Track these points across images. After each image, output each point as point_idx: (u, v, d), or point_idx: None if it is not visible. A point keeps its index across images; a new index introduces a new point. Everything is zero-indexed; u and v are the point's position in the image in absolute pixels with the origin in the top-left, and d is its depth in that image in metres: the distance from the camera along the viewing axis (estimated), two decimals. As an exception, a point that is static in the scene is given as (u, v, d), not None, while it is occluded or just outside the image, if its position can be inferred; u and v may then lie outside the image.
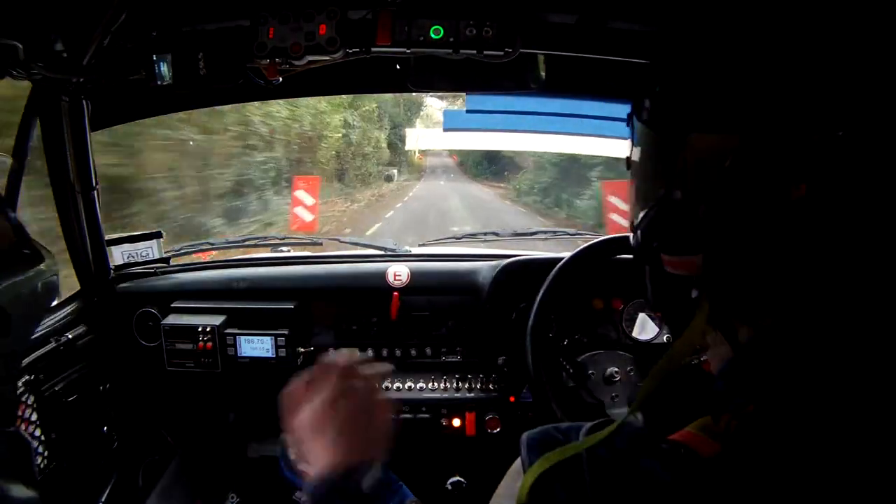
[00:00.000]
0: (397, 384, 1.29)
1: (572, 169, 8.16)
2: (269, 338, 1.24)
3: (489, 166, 14.14)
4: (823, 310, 0.34)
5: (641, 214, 0.41)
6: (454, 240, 1.54)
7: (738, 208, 0.35)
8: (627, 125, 0.44)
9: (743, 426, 0.35)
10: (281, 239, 1.62)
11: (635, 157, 0.43)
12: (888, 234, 0.32)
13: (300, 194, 4.13)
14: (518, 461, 0.41)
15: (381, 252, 1.46)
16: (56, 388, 1.08)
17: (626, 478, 0.35)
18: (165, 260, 1.41)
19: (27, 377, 0.99)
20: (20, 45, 0.84)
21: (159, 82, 0.97)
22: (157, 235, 1.39)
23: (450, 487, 1.32)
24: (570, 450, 0.37)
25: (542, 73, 1.05)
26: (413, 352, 1.32)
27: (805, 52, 0.34)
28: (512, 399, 1.28)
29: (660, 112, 0.40)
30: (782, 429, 0.34)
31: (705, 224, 0.37)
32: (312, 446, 0.45)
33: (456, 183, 15.20)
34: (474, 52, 0.91)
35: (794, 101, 0.33)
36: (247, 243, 1.59)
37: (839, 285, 0.33)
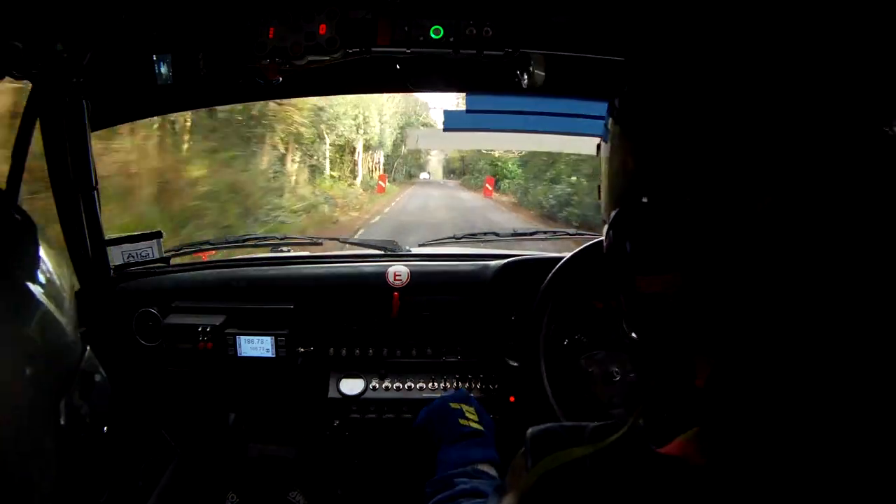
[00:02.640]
0: (398, 384, 1.29)
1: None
2: (269, 338, 1.24)
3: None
4: (801, 322, 0.33)
5: (613, 213, 0.40)
6: (454, 240, 1.54)
7: (700, 218, 0.34)
8: (605, 125, 0.44)
9: (728, 439, 0.35)
10: (281, 239, 1.62)
11: (605, 154, 0.43)
12: (860, 245, 0.31)
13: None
14: (520, 454, 0.41)
15: (381, 252, 1.46)
16: None
17: (625, 486, 0.35)
18: (165, 260, 1.40)
19: None
20: (20, 45, 0.84)
21: (159, 82, 0.97)
22: (158, 235, 1.39)
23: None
24: (573, 454, 0.37)
25: (542, 73, 1.05)
26: (413, 352, 1.32)
27: (774, 60, 0.33)
28: (512, 399, 1.28)
29: (626, 110, 0.40)
30: (764, 443, 0.33)
31: (674, 234, 0.36)
32: None
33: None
34: (474, 52, 0.91)
35: (761, 109, 0.32)
36: (247, 243, 1.59)
37: (815, 298, 0.32)
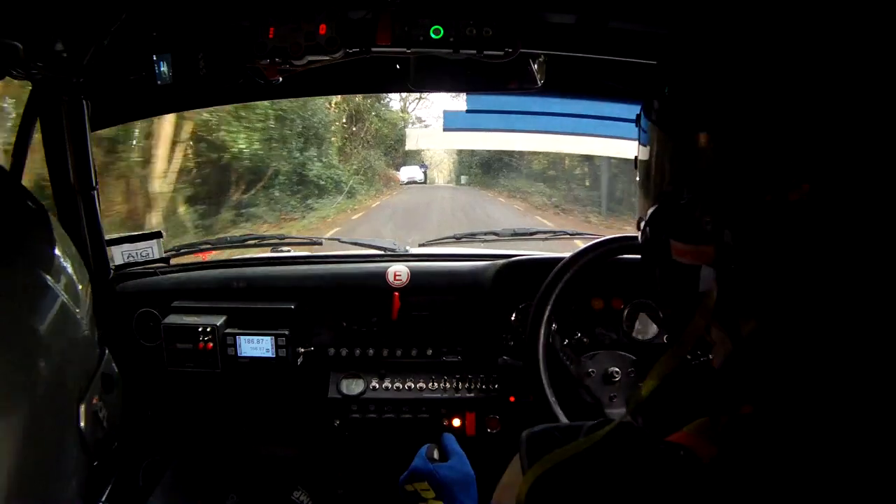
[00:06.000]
0: (398, 384, 1.29)
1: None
2: (269, 338, 1.24)
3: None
4: (827, 309, 0.34)
5: (650, 210, 0.42)
6: (454, 240, 1.54)
7: (737, 207, 0.35)
8: (636, 125, 0.44)
9: (740, 428, 0.35)
10: (281, 239, 1.62)
11: (643, 156, 0.43)
12: (890, 233, 0.32)
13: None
14: (517, 458, 0.41)
15: (382, 252, 1.46)
16: None
17: (625, 480, 0.35)
18: (165, 260, 1.41)
19: None
20: (20, 45, 0.84)
21: (159, 82, 0.97)
22: (157, 235, 1.39)
23: None
24: (569, 451, 0.37)
25: (543, 73, 1.05)
26: (413, 352, 1.32)
27: (809, 53, 0.34)
28: (512, 399, 1.28)
29: (668, 112, 0.41)
30: (779, 431, 0.34)
31: (711, 220, 0.37)
32: None
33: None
34: (474, 52, 0.91)
35: (796, 101, 0.33)
36: (247, 243, 1.59)
37: (843, 286, 0.33)
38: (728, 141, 0.36)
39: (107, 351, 0.52)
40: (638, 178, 0.45)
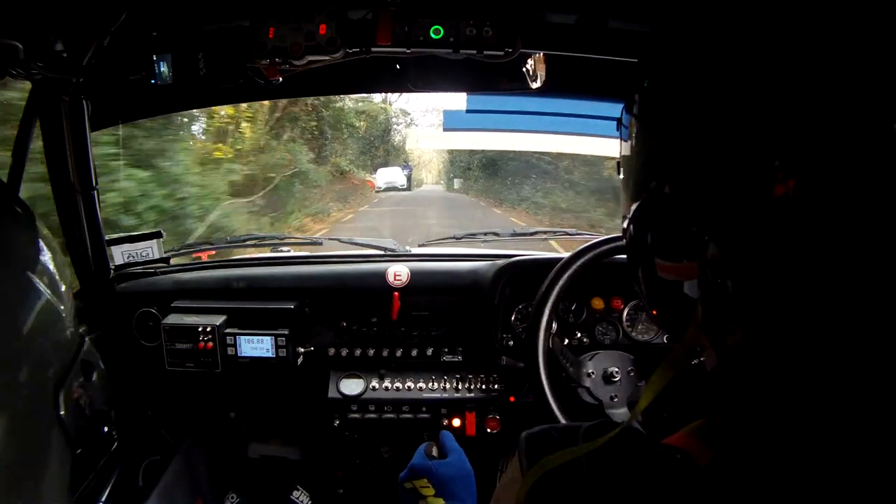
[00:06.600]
0: (397, 384, 1.29)
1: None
2: (269, 338, 1.24)
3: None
4: (818, 317, 0.33)
5: (633, 208, 0.41)
6: (454, 240, 1.54)
7: (719, 207, 0.34)
8: (618, 123, 0.44)
9: (735, 431, 0.35)
10: (281, 239, 1.63)
11: (626, 152, 0.43)
12: (881, 234, 0.31)
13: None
14: (516, 459, 0.41)
15: (382, 252, 1.46)
16: None
17: (623, 484, 0.35)
18: (165, 260, 1.41)
19: None
20: (20, 45, 0.85)
21: (159, 82, 0.97)
22: (157, 235, 1.39)
23: None
24: (568, 454, 0.37)
25: (542, 73, 1.05)
26: (413, 352, 1.32)
27: (793, 48, 0.33)
28: (512, 399, 1.28)
29: (647, 105, 0.40)
30: (770, 437, 0.33)
31: (694, 226, 0.36)
32: None
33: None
34: (474, 52, 0.91)
35: (779, 97, 0.32)
36: (247, 243, 1.59)
37: (830, 290, 0.32)
38: (707, 133, 0.34)
39: (87, 339, 0.53)
40: (621, 177, 0.44)
